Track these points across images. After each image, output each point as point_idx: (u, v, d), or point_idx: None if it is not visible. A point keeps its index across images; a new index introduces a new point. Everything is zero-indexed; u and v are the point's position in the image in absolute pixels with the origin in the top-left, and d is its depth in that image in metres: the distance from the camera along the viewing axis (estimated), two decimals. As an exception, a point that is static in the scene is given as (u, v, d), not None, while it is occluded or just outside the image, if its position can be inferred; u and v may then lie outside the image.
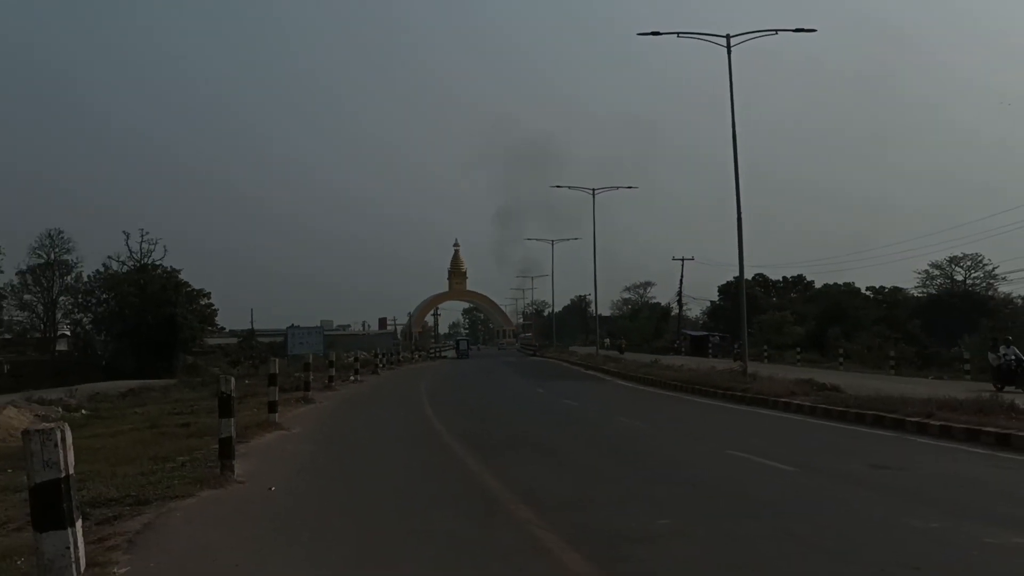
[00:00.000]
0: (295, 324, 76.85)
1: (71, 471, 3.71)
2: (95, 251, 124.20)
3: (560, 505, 8.28)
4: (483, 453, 12.25)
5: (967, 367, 29.37)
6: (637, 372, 33.17)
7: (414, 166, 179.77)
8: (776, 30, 25.49)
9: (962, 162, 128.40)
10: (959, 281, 78.38)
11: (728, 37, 25.58)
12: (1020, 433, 11.77)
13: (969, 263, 77.62)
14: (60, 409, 20.76)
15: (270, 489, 9.34)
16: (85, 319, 60.93)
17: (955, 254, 76.36)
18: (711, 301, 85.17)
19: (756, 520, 7.44)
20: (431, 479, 10.33)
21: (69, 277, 65.53)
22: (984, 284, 76.63)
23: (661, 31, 26.24)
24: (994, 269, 75.60)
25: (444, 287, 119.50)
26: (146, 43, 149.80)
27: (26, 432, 3.68)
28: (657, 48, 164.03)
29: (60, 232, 65.62)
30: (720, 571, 5.99)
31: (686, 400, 22.87)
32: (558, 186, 54.09)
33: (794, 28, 25.59)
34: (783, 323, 64.76)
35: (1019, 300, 69.47)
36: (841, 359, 38.19)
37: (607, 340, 75.99)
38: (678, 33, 26.16)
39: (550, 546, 6.65)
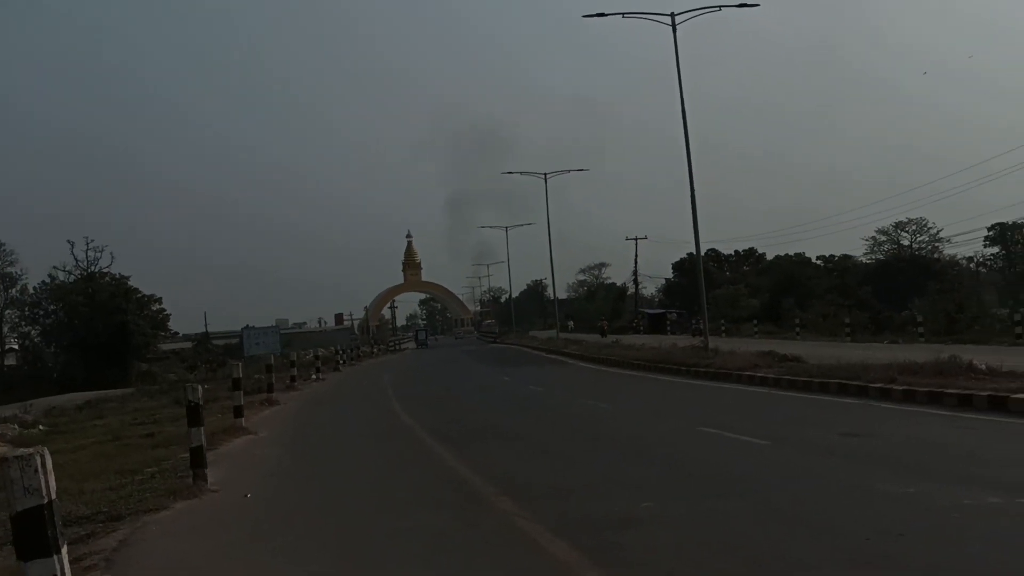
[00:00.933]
0: (250, 325, 76.07)
1: (53, 496, 3.58)
2: (40, 262, 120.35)
3: (541, 494, 8.24)
4: (456, 446, 12.16)
5: (920, 330, 29.94)
6: (599, 354, 33.33)
7: (367, 156, 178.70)
8: (720, 6, 25.67)
9: (906, 129, 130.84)
10: (905, 246, 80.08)
11: (673, 16, 25.78)
12: (981, 393, 12.02)
13: (914, 227, 79.44)
14: (16, 426, 20.20)
15: (246, 496, 9.19)
16: (33, 332, 59.70)
17: (901, 219, 78.12)
18: (665, 278, 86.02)
19: (738, 499, 7.44)
20: (406, 476, 10.21)
21: (14, 290, 63.94)
22: (929, 247, 78.46)
23: (606, 12, 26.32)
24: (938, 232, 77.53)
25: (399, 279, 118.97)
26: (79, 36, 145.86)
27: (4, 459, 3.54)
28: (605, 28, 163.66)
29: (2, 244, 63.97)
30: (707, 553, 5.95)
31: (651, 379, 23.02)
32: (509, 172, 53.89)
33: (737, 3, 25.79)
34: (738, 296, 65.70)
35: (964, 261, 71.34)
36: (798, 329, 38.72)
37: (570, 323, 76.15)
38: (623, 13, 26.25)
39: (534, 536, 6.60)
